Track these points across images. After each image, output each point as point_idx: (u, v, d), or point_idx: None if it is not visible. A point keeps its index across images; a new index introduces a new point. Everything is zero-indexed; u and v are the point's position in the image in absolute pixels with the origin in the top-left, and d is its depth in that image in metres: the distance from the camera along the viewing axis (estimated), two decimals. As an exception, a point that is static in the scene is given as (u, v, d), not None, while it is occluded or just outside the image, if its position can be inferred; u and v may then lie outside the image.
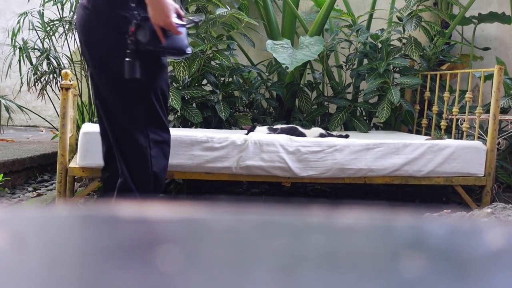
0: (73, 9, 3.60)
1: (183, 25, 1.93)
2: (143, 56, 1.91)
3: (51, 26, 3.64)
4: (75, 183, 2.87)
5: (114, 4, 1.93)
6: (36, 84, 3.62)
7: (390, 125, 3.70)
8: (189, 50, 2.00)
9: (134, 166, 2.04)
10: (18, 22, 3.64)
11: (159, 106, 2.03)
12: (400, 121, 3.71)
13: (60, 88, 2.56)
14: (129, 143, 2.03)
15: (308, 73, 3.85)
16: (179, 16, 1.93)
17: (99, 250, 0.35)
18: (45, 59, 3.60)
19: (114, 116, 2.04)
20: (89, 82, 3.57)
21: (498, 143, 2.95)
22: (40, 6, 3.67)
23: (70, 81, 2.52)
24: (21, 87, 3.68)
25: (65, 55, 3.73)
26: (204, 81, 3.43)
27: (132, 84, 1.95)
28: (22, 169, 3.26)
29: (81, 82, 3.63)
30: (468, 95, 3.07)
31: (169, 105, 2.97)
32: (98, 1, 1.95)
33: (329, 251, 0.36)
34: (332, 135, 2.93)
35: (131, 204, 0.43)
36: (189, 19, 2.00)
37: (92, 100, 3.63)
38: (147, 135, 2.02)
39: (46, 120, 4.27)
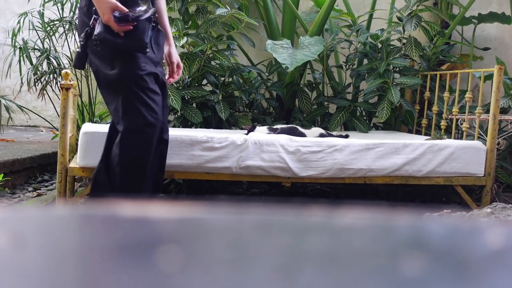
0: (73, 9, 3.61)
1: (122, 20, 2.01)
2: (111, 51, 2.08)
3: (51, 26, 3.64)
4: (75, 183, 2.87)
5: (90, 3, 2.08)
6: (36, 84, 3.62)
7: (390, 125, 3.70)
8: (146, 42, 2.07)
9: (110, 151, 2.26)
10: (18, 22, 3.64)
11: (134, 97, 2.13)
12: (400, 121, 3.71)
13: (60, 88, 2.56)
14: (111, 130, 2.29)
15: (308, 73, 3.85)
16: (123, 13, 2.02)
17: (99, 250, 0.35)
18: (45, 59, 3.60)
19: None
20: (90, 82, 3.58)
21: (498, 143, 2.95)
22: (40, 6, 3.67)
23: (70, 81, 2.52)
24: (21, 87, 3.68)
25: (65, 55, 3.73)
26: (204, 81, 3.43)
27: (108, 78, 2.14)
28: (22, 169, 3.26)
29: (81, 82, 3.63)
30: (468, 95, 3.06)
31: (169, 105, 2.98)
32: (81, 2, 2.17)
33: (329, 251, 0.36)
34: (332, 135, 2.93)
35: (131, 204, 0.43)
36: (134, 15, 2.04)
37: (92, 100, 3.63)
38: (121, 123, 2.16)
39: (46, 120, 4.27)
